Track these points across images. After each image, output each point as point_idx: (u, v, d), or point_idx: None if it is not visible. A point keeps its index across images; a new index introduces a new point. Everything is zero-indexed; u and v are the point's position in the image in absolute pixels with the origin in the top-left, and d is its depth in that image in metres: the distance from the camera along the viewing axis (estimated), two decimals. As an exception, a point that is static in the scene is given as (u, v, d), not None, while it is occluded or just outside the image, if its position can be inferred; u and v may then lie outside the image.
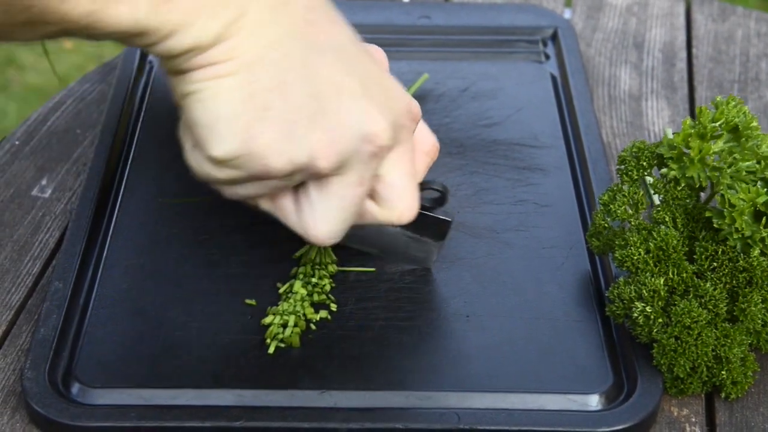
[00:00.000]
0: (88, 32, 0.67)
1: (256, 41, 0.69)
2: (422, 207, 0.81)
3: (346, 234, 0.80)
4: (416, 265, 0.86)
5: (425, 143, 0.82)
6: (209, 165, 0.71)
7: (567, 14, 1.22)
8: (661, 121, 1.06)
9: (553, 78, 1.08)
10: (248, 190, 0.74)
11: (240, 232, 0.88)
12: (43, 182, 0.97)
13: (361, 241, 0.85)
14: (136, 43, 0.69)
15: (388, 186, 0.75)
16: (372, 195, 0.75)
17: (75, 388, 0.77)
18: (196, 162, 0.72)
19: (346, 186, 0.72)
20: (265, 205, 0.76)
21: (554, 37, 1.14)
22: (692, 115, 1.07)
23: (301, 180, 0.73)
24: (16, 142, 1.01)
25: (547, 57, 1.12)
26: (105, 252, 0.87)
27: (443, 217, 0.83)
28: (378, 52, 0.80)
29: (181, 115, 0.72)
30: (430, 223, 0.83)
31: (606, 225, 0.83)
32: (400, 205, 0.75)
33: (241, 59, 0.68)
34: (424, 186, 0.82)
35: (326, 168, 0.71)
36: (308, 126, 0.69)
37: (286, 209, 0.75)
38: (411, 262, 0.86)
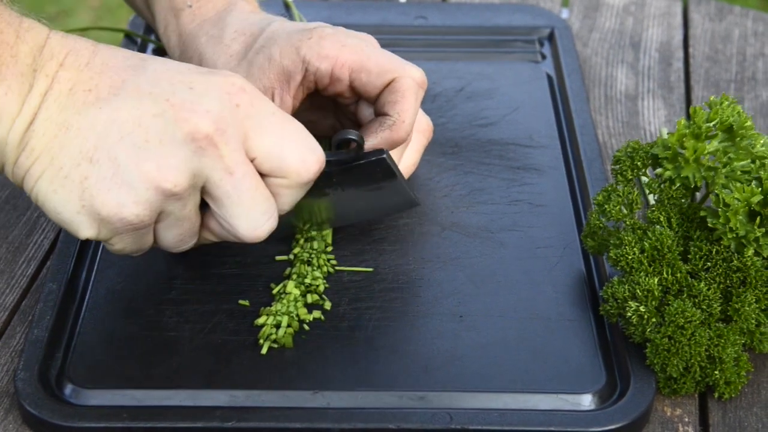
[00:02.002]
0: None
1: (46, 133, 0.73)
2: (350, 160, 0.82)
3: (327, 219, 0.85)
4: (405, 209, 0.88)
5: (420, 123, 0.87)
6: (103, 243, 0.77)
7: (564, 14, 1.22)
8: (657, 120, 1.06)
9: (550, 78, 1.08)
10: (164, 237, 0.78)
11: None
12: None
13: (343, 218, 0.87)
14: None
15: (267, 158, 0.76)
16: (267, 173, 0.76)
17: (68, 388, 0.77)
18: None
19: (219, 185, 0.75)
20: (201, 241, 0.80)
21: (551, 37, 1.14)
22: (688, 114, 1.07)
23: (180, 207, 0.75)
24: (12, 143, 1.01)
25: (544, 57, 1.12)
26: (99, 254, 0.87)
27: (374, 156, 0.83)
28: (367, 37, 0.86)
29: None
30: (369, 167, 0.83)
31: (601, 225, 0.83)
32: (291, 164, 0.76)
33: (42, 157, 0.73)
34: (338, 140, 0.82)
35: (176, 185, 0.73)
36: (132, 167, 0.73)
37: (215, 233, 0.79)
38: (397, 210, 0.89)
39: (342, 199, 0.84)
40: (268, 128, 0.76)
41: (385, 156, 0.83)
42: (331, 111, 0.90)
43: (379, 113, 0.85)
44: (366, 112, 0.87)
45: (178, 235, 0.78)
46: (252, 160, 0.75)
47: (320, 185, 0.80)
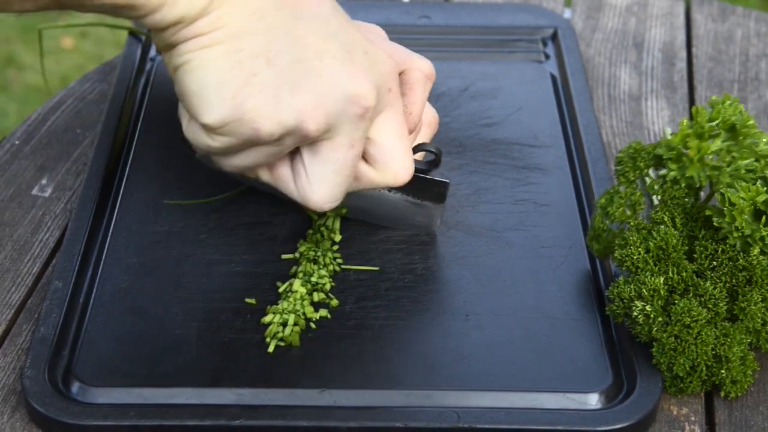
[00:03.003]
0: (80, 2, 0.71)
1: (241, 12, 0.72)
2: (418, 170, 0.83)
3: (351, 206, 0.86)
4: (421, 231, 0.88)
5: (427, 115, 0.87)
6: (203, 134, 0.75)
7: (567, 14, 1.22)
8: (660, 120, 1.06)
9: (553, 78, 1.08)
10: (244, 160, 0.77)
11: (239, 231, 0.88)
12: (43, 181, 0.97)
13: (365, 213, 0.88)
14: (125, 14, 0.72)
15: (381, 147, 0.77)
16: (367, 158, 0.78)
17: (75, 386, 0.77)
18: (192, 134, 0.76)
19: (337, 149, 0.75)
20: (264, 176, 0.79)
21: (554, 37, 1.14)
22: (692, 115, 1.07)
23: (293, 145, 0.75)
24: (16, 142, 1.01)
25: (547, 57, 1.12)
26: (105, 251, 0.87)
27: (440, 179, 0.85)
28: (375, 28, 0.86)
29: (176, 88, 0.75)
30: (428, 185, 0.85)
31: (605, 228, 0.83)
32: (394, 165, 0.78)
33: (227, 29, 0.72)
34: (418, 149, 0.84)
35: (314, 130, 0.73)
36: (294, 90, 0.72)
37: (284, 178, 0.78)
38: (415, 228, 0.88)
39: (382, 198, 0.85)
40: (395, 123, 0.77)
41: (449, 182, 0.85)
42: None
43: None
44: None
45: (255, 162, 0.77)
46: (367, 139, 0.77)
47: None
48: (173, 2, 0.71)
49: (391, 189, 0.85)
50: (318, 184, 0.77)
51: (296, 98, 0.73)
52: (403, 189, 0.85)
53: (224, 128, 0.74)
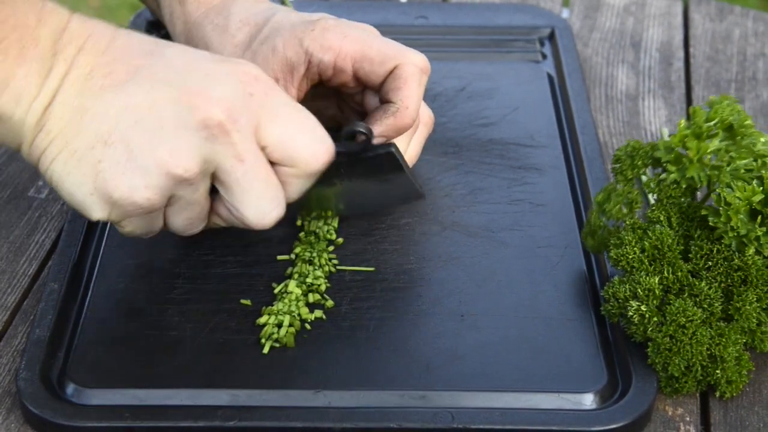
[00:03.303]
0: None
1: (64, 116, 0.74)
2: (356, 152, 0.83)
3: (335, 207, 0.87)
4: (411, 201, 0.89)
5: (422, 114, 0.88)
6: (115, 227, 0.78)
7: (564, 14, 1.22)
8: (658, 120, 1.06)
9: (550, 78, 1.08)
10: (175, 222, 0.79)
11: (234, 232, 0.88)
12: (40, 183, 0.97)
13: (349, 208, 0.88)
14: None
15: (278, 148, 0.77)
16: (278, 162, 0.77)
17: (70, 388, 0.77)
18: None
19: (230, 171, 0.75)
20: (218, 223, 0.81)
21: (551, 36, 1.14)
22: (689, 114, 1.07)
23: (191, 192, 0.76)
24: (13, 143, 1.01)
25: (544, 57, 1.12)
26: (100, 253, 0.87)
27: (382, 150, 0.84)
28: (367, 27, 0.88)
29: None
30: (377, 160, 0.84)
31: (601, 224, 0.83)
32: (302, 155, 0.77)
33: (58, 138, 0.74)
34: (347, 131, 0.83)
35: (189, 170, 0.74)
36: (146, 151, 0.73)
37: (226, 218, 0.80)
38: (403, 202, 0.90)
39: (349, 190, 0.85)
40: (280, 118, 0.76)
41: (393, 149, 0.83)
42: (334, 101, 0.91)
43: (384, 101, 0.85)
44: (372, 101, 0.88)
45: (187, 219, 0.79)
46: (263, 149, 0.76)
47: (328, 176, 0.80)
48: (13, 127, 0.74)
49: (347, 179, 0.84)
50: (243, 207, 0.77)
51: (151, 157, 0.73)
52: (357, 174, 0.84)
53: (112, 216, 0.76)
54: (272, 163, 0.77)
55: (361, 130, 0.83)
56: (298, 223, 0.89)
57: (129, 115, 0.74)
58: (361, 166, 0.83)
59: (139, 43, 0.76)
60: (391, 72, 0.85)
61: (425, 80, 0.86)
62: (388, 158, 0.84)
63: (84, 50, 0.75)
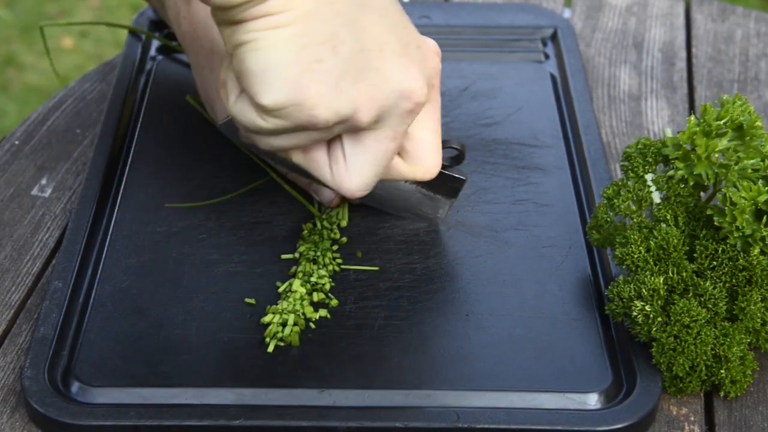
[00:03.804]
0: None
1: None
2: (446, 165, 0.85)
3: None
4: (426, 222, 0.89)
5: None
6: (255, 114, 0.74)
7: (567, 14, 1.22)
8: (660, 120, 1.06)
9: (553, 78, 1.08)
10: (286, 142, 0.76)
11: (239, 231, 0.88)
12: (43, 182, 0.97)
13: (374, 199, 0.88)
14: None
15: (417, 143, 0.78)
16: (400, 152, 0.79)
17: (74, 386, 0.77)
18: (241, 112, 0.75)
19: (380, 140, 0.76)
20: (297, 158, 0.79)
21: (554, 36, 1.14)
22: (692, 114, 1.07)
23: (340, 132, 0.76)
24: (16, 142, 1.01)
25: (547, 57, 1.12)
26: (104, 251, 0.87)
27: (459, 176, 0.86)
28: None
29: (229, 64, 0.75)
30: (445, 180, 0.86)
31: (608, 219, 0.83)
32: (426, 161, 0.79)
33: (297, 12, 0.72)
34: (444, 145, 0.84)
35: (366, 121, 0.74)
36: (354, 80, 0.73)
37: (319, 162, 0.78)
38: (420, 218, 0.89)
39: (395, 188, 0.86)
40: (433, 119, 0.78)
41: (466, 179, 0.86)
42: None
43: None
44: None
45: (300, 143, 0.77)
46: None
47: None
48: None
49: (408, 180, 0.85)
50: (355, 171, 0.77)
51: (354, 89, 0.73)
52: (420, 182, 0.85)
53: (281, 111, 0.73)
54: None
55: (456, 147, 0.85)
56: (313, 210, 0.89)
57: (364, 40, 0.73)
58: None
59: None
60: None
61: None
62: (457, 183, 0.86)
63: None
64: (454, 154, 0.86)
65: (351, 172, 0.77)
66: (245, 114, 0.75)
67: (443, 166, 0.84)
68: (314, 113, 0.73)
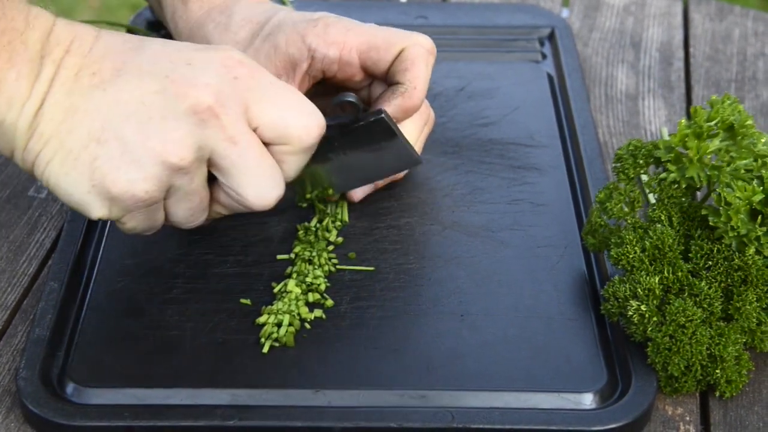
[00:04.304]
0: None
1: (54, 118, 0.75)
2: (347, 123, 0.84)
3: (332, 184, 0.87)
4: (408, 167, 0.90)
5: (423, 113, 0.90)
6: (117, 225, 0.78)
7: (564, 14, 1.22)
8: (658, 120, 1.06)
9: (550, 77, 1.08)
10: (175, 214, 0.79)
11: (234, 232, 0.88)
12: (39, 183, 0.97)
13: (347, 182, 0.89)
14: None
15: (270, 127, 0.77)
16: (273, 142, 0.78)
17: (70, 387, 0.77)
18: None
19: (225, 155, 0.76)
20: (220, 212, 0.81)
21: (551, 36, 1.14)
22: (689, 114, 1.07)
23: (188, 182, 0.76)
24: (13, 143, 1.01)
25: (544, 56, 1.12)
26: (100, 252, 0.87)
27: (373, 117, 0.84)
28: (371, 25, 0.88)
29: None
30: (369, 128, 0.85)
31: (602, 223, 0.83)
32: (294, 132, 0.78)
33: (52, 141, 0.75)
34: (336, 102, 0.84)
35: (185, 158, 0.75)
36: (138, 145, 0.74)
37: (228, 204, 0.80)
38: (400, 170, 0.90)
39: (345, 163, 0.86)
40: (268, 97, 0.77)
41: (383, 115, 0.84)
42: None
43: (391, 83, 0.86)
44: (379, 92, 0.88)
45: (188, 210, 0.79)
46: (254, 130, 0.77)
47: (322, 150, 0.81)
48: (5, 132, 0.75)
49: (345, 151, 0.85)
50: (243, 189, 0.77)
51: (146, 150, 0.74)
52: (350, 145, 0.85)
53: (113, 213, 0.76)
54: (266, 144, 0.78)
55: (350, 99, 0.84)
56: (303, 205, 0.89)
57: (119, 110, 0.74)
58: (353, 136, 0.84)
59: (122, 41, 0.77)
60: (398, 55, 0.86)
61: (432, 61, 0.87)
62: (379, 125, 0.85)
63: (70, 52, 0.75)
64: (351, 107, 0.84)
65: (241, 193, 0.78)
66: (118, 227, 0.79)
67: (353, 120, 0.84)
68: (131, 194, 0.75)
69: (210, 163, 0.77)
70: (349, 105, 0.84)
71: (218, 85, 0.75)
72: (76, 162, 0.74)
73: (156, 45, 0.77)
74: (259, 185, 0.77)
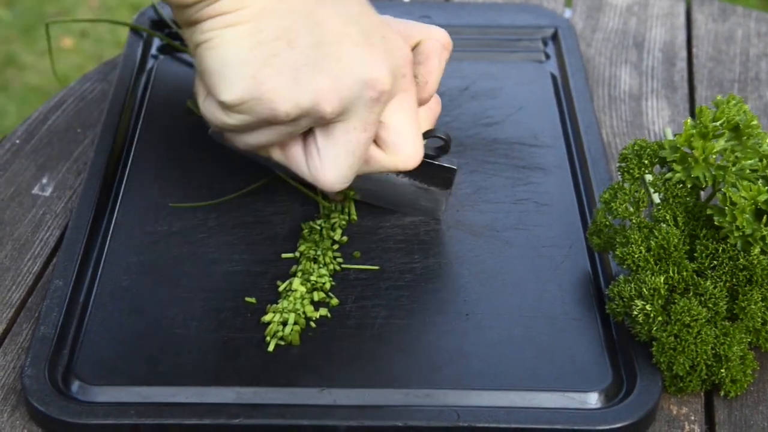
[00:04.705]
0: None
1: None
2: (427, 156, 0.84)
3: (359, 188, 0.87)
4: (426, 216, 0.89)
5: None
6: (221, 112, 0.76)
7: (567, 14, 1.22)
8: (661, 120, 1.06)
9: (554, 77, 1.08)
10: (258, 138, 0.78)
11: (239, 230, 0.88)
12: (44, 181, 0.97)
13: (371, 196, 0.89)
14: None
15: (392, 132, 0.79)
16: (378, 142, 0.79)
17: (75, 385, 0.77)
18: (209, 111, 0.78)
19: (350, 131, 0.77)
20: (276, 155, 0.80)
21: (554, 36, 1.14)
22: (692, 114, 1.07)
23: (308, 126, 0.77)
24: (17, 141, 1.01)
25: (548, 57, 1.12)
26: (105, 250, 0.87)
27: (448, 165, 0.86)
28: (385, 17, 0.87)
29: (195, 66, 0.77)
30: (436, 171, 0.86)
31: (607, 223, 0.83)
32: (404, 150, 0.80)
33: (251, 9, 0.73)
34: (428, 135, 0.85)
35: (330, 112, 0.75)
36: (313, 72, 0.74)
37: (296, 158, 0.80)
38: (421, 213, 0.89)
39: (389, 182, 0.87)
40: (408, 108, 0.79)
41: (457, 168, 0.86)
42: None
43: None
44: None
45: (269, 141, 0.78)
46: (380, 123, 0.78)
47: None
48: None
49: (399, 173, 0.85)
50: (330, 165, 0.78)
51: (314, 80, 0.74)
52: (411, 174, 0.86)
53: (242, 106, 0.75)
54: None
55: (441, 136, 0.85)
56: (315, 198, 0.90)
57: (320, 31, 0.74)
58: (419, 168, 0.83)
59: None
60: (413, 48, 0.86)
61: (446, 56, 0.87)
62: (448, 173, 0.86)
63: None
64: (440, 144, 0.86)
65: (325, 165, 0.78)
66: (212, 112, 0.77)
67: (431, 156, 0.85)
68: (274, 106, 0.74)
69: (326, 121, 0.76)
70: (438, 140, 0.85)
71: (395, 75, 0.76)
72: (259, 46, 0.73)
73: (363, 4, 0.78)
74: (343, 171, 0.78)
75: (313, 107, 0.74)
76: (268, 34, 0.74)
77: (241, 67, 0.74)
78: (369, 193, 0.89)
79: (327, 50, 0.74)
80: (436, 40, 0.86)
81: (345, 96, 0.75)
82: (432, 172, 0.86)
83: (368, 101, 0.76)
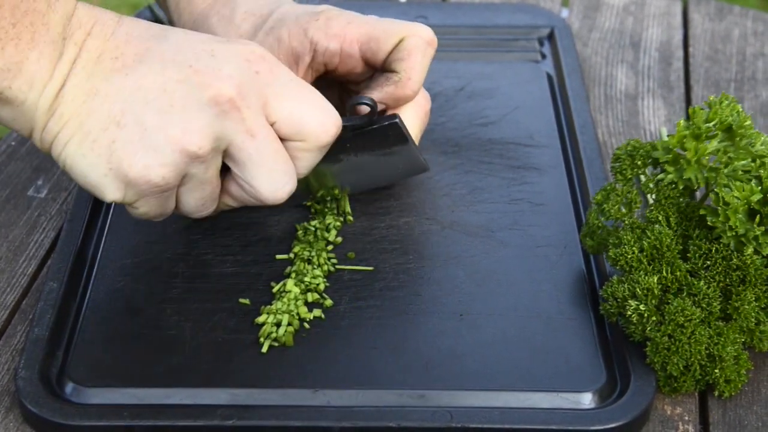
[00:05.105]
0: None
1: (76, 100, 0.75)
2: (363, 126, 0.84)
3: (340, 183, 0.88)
4: (414, 174, 0.90)
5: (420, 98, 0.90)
6: (129, 209, 0.79)
7: (564, 14, 1.22)
8: (657, 120, 1.06)
9: (550, 77, 1.08)
10: (186, 204, 0.80)
11: (233, 231, 0.88)
12: (39, 182, 0.97)
13: (358, 184, 0.89)
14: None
15: (287, 122, 0.78)
16: (288, 138, 0.79)
17: (69, 387, 0.77)
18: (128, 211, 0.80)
19: (243, 147, 0.77)
20: (229, 204, 0.82)
21: (551, 36, 1.14)
22: (688, 114, 1.07)
23: (204, 170, 0.77)
24: (12, 143, 1.02)
25: (544, 56, 1.12)
26: (99, 252, 0.87)
27: (387, 121, 0.85)
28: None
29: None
30: (381, 133, 0.85)
31: (600, 224, 0.83)
32: (310, 128, 0.79)
33: (71, 121, 0.75)
34: (352, 103, 0.84)
35: (201, 147, 0.75)
36: (158, 130, 0.75)
37: (238, 196, 0.81)
38: (407, 175, 0.91)
39: (355, 165, 0.87)
40: (287, 94, 0.78)
41: (397, 120, 0.85)
42: (337, 92, 0.92)
43: (387, 71, 0.86)
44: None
45: (199, 199, 0.80)
46: (272, 125, 0.78)
47: (335, 151, 0.82)
48: (25, 112, 0.75)
49: (357, 153, 0.86)
50: (258, 182, 0.78)
51: (163, 135, 0.75)
52: (362, 147, 0.86)
53: (127, 196, 0.77)
54: (282, 140, 0.78)
55: (366, 101, 0.84)
56: (308, 203, 0.90)
57: (140, 95, 0.75)
58: (366, 139, 0.84)
59: (144, 27, 0.78)
60: (397, 45, 0.86)
61: (431, 53, 0.87)
62: (392, 129, 0.85)
63: (92, 35, 0.76)
64: (367, 111, 0.85)
65: (254, 185, 0.79)
66: (129, 211, 0.80)
67: (367, 123, 0.84)
68: (149, 179, 0.75)
69: (226, 155, 0.78)
70: (364, 106, 0.84)
71: (240, 78, 0.76)
72: (95, 144, 0.75)
73: (179, 34, 0.78)
74: (273, 179, 0.78)
75: (182, 156, 0.75)
76: (95, 130, 0.75)
77: (95, 170, 0.76)
78: (351, 183, 0.89)
79: (156, 105, 0.75)
80: (419, 37, 0.86)
81: (201, 127, 0.75)
82: (379, 135, 0.85)
83: (225, 115, 0.76)
